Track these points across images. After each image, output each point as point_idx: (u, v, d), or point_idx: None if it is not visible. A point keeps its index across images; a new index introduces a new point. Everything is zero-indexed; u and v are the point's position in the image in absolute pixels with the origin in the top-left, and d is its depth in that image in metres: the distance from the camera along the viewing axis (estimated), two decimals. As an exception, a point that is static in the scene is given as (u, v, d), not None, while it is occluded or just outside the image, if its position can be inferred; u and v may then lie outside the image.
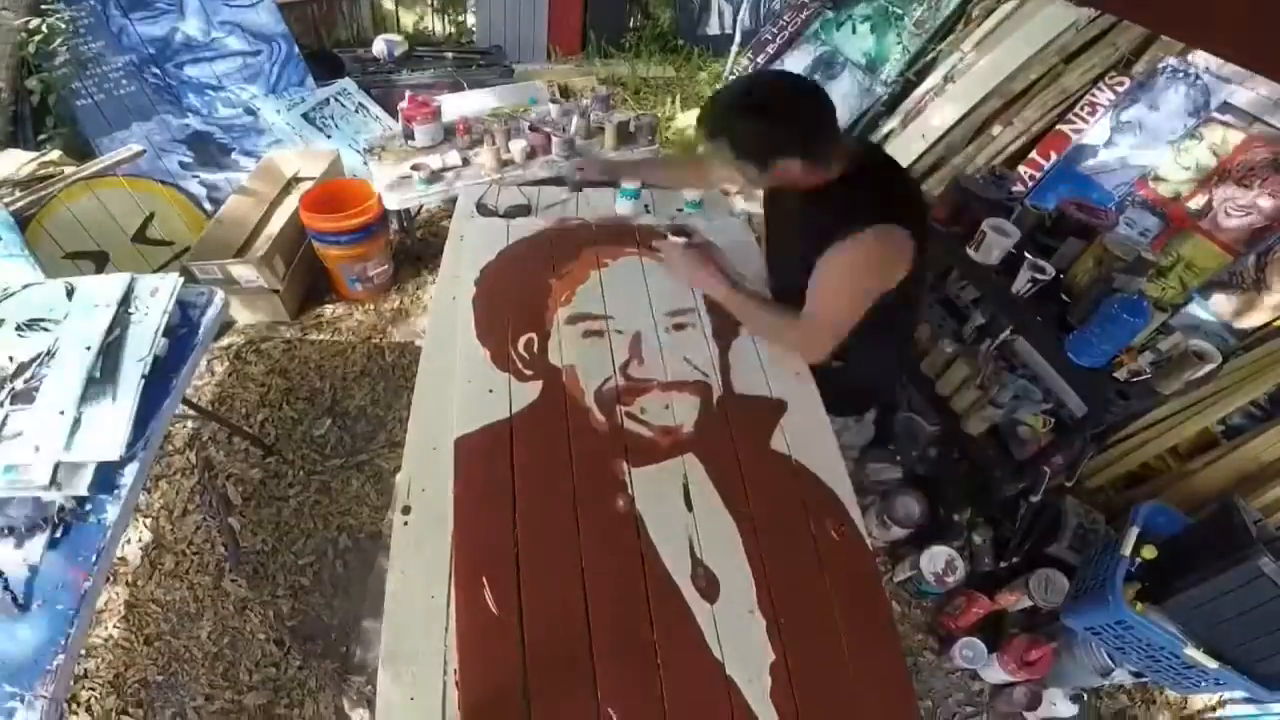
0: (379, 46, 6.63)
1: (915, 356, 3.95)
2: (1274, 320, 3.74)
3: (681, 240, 2.81)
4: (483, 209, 3.31)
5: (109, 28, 5.16)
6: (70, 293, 2.79)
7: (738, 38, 6.91)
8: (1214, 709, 3.65)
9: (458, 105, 5.44)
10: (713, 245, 2.87)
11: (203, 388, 4.30)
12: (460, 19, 7.75)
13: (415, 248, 5.37)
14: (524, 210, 3.31)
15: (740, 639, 1.90)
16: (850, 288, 2.35)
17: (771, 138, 2.23)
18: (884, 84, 6.15)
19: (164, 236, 4.71)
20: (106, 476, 2.35)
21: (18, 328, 2.67)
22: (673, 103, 7.53)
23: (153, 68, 5.34)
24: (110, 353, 2.58)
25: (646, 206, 3.39)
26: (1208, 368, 2.87)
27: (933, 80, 5.81)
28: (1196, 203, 4.10)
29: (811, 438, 2.40)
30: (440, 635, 1.84)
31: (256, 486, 3.85)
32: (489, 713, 1.71)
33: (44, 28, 4.76)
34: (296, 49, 5.92)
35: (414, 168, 4.59)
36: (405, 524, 2.08)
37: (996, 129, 5.25)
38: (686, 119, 7.28)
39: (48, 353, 2.56)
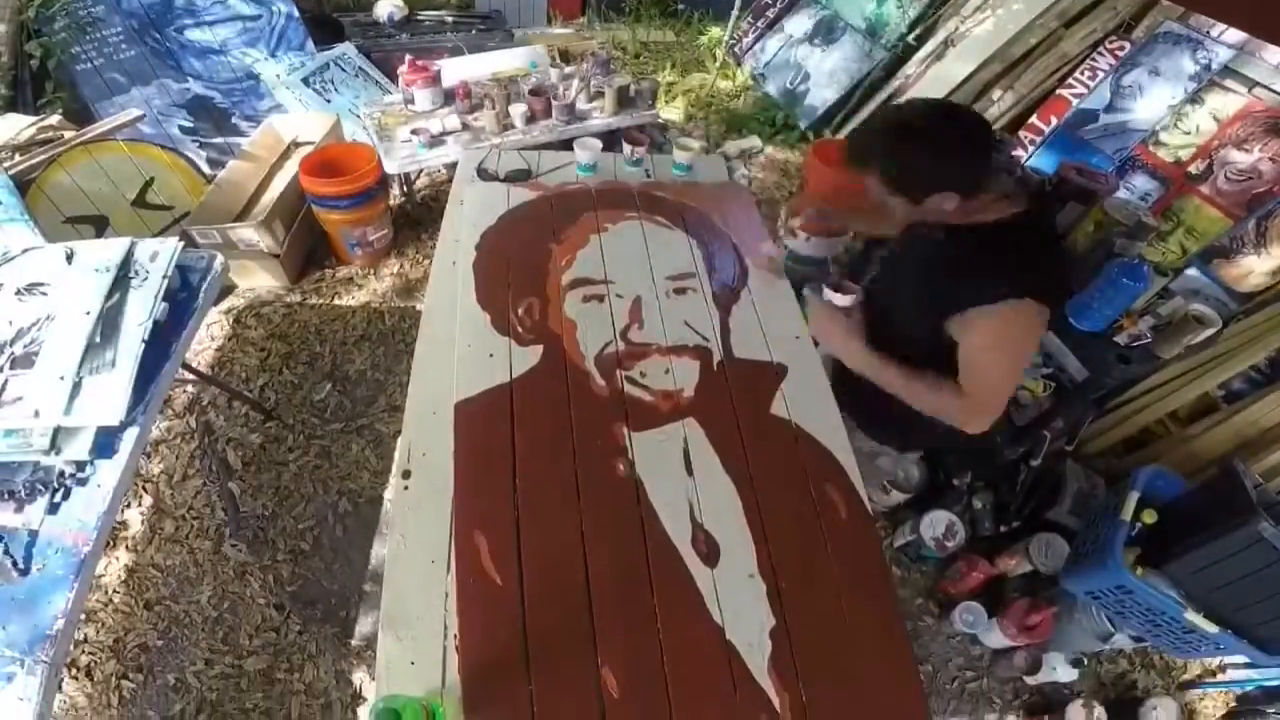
0: (379, 10, 6.57)
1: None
2: (1274, 284, 3.74)
3: (840, 304, 2.53)
4: (483, 173, 3.30)
5: (109, -9, 5.11)
6: (70, 257, 2.77)
7: (738, 2, 6.85)
8: (1214, 674, 3.67)
9: (458, 69, 5.40)
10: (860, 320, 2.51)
11: (202, 352, 4.30)
12: (460, -18, 7.69)
13: (415, 212, 5.36)
14: (524, 175, 3.30)
15: (740, 603, 1.90)
16: (1013, 361, 2.16)
17: (930, 170, 2.04)
18: (884, 48, 6.11)
19: (164, 201, 4.68)
20: (106, 441, 2.34)
21: (17, 292, 2.65)
22: (673, 67, 7.49)
23: (153, 32, 5.29)
24: (110, 317, 2.57)
25: (647, 171, 3.38)
26: (1208, 332, 2.87)
27: (933, 44, 5.78)
28: (1197, 167, 4.09)
29: (812, 402, 2.40)
30: (440, 599, 1.84)
31: (256, 451, 3.86)
32: (489, 676, 1.71)
33: (44, -9, 4.74)
34: (296, 13, 5.85)
35: (414, 132, 4.58)
36: (405, 488, 2.08)
37: (997, 93, 5.24)
38: (686, 84, 7.25)
39: (47, 317, 2.55)
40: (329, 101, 5.64)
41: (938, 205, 2.06)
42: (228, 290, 4.62)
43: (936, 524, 3.55)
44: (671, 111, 6.86)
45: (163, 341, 2.62)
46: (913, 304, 2.31)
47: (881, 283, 2.59)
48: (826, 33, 6.62)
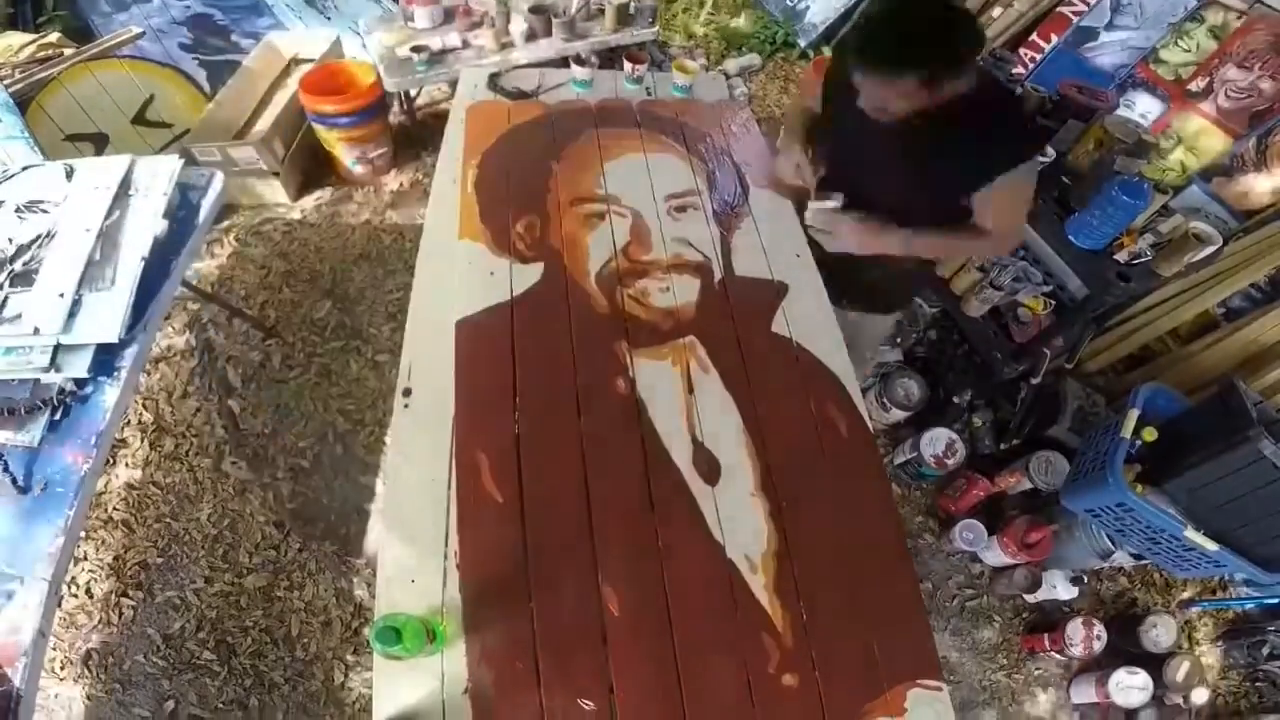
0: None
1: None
2: (1275, 202, 3.72)
3: (834, 207, 2.44)
4: (495, 85, 3.26)
5: (107, -94, 5.02)
6: (70, 175, 2.75)
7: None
8: (1214, 591, 3.70)
9: (458, -14, 5.33)
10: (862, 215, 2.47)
11: (202, 270, 4.28)
12: (460, -104, 7.52)
13: (415, 130, 5.30)
14: (526, 93, 3.26)
15: (741, 522, 1.91)
16: (1029, 200, 2.42)
17: (968, 57, 1.98)
18: (885, -34, 5.98)
19: (164, 119, 4.66)
20: (106, 359, 2.34)
21: (17, 210, 2.63)
22: (673, -16, 7.38)
23: (152, -53, 5.21)
24: (110, 235, 2.55)
25: (648, 89, 3.34)
26: (1208, 250, 2.86)
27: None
28: (1197, 85, 4.05)
29: (813, 321, 2.40)
30: (441, 518, 1.84)
31: (256, 369, 3.85)
32: (490, 594, 1.72)
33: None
34: (296, -73, 5.75)
35: (414, 50, 4.52)
36: (406, 406, 2.08)
37: (997, 10, 5.15)
38: (686, 0, 7.13)
39: (47, 235, 2.53)
40: (329, 19, 5.56)
41: (951, 91, 1.99)
42: (228, 208, 4.58)
43: (936, 442, 3.56)
44: (672, 30, 6.77)
45: (163, 259, 2.61)
46: (913, 190, 2.34)
47: (862, 179, 2.49)
48: (823, -48, 6.51)
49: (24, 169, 2.82)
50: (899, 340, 3.90)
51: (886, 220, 2.40)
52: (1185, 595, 3.68)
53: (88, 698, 2.94)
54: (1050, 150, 3.21)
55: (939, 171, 2.25)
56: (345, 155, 4.70)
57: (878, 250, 2.42)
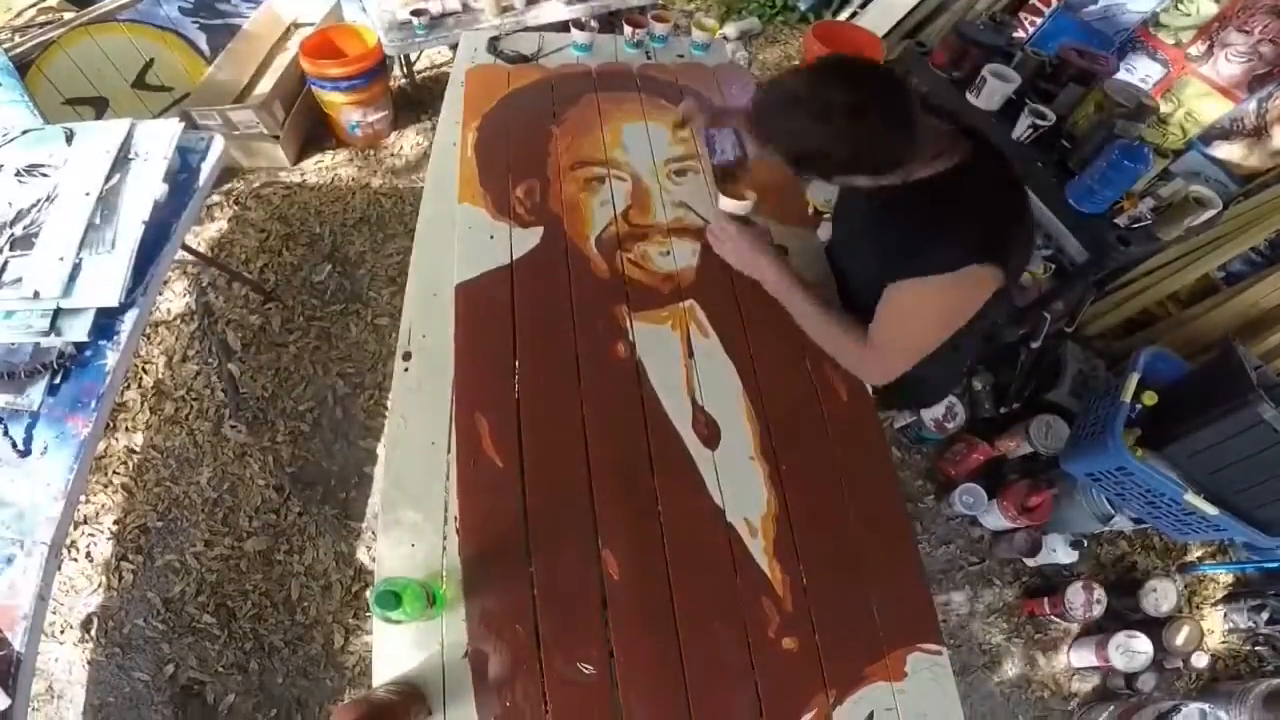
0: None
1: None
2: (1275, 166, 3.71)
3: (737, 212, 2.36)
4: (495, 49, 3.24)
5: None
6: (70, 138, 2.75)
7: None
8: (1214, 555, 3.71)
9: (457, -52, 5.29)
10: (765, 231, 2.42)
11: (202, 234, 4.27)
12: None
13: (415, 93, 5.30)
14: (525, 57, 3.24)
15: (741, 485, 1.91)
16: (934, 326, 1.96)
17: (834, 154, 1.72)
18: (887, -73, 5.94)
19: (164, 82, 4.65)
20: (106, 322, 2.34)
21: (17, 173, 2.63)
22: (677, -54, 7.33)
23: (151, -91, 5.16)
24: (110, 199, 2.55)
25: (648, 53, 3.32)
26: (1208, 214, 2.86)
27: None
28: (1197, 49, 4.02)
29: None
30: (440, 482, 1.85)
31: (256, 332, 3.86)
32: (489, 558, 1.72)
33: None
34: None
35: (414, 13, 4.49)
36: (406, 370, 2.08)
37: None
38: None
39: (47, 198, 2.53)
40: (328, -18, 5.53)
41: (847, 184, 1.91)
42: (228, 172, 4.59)
43: (936, 405, 3.56)
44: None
45: (162, 223, 2.61)
46: (864, 261, 2.16)
47: (838, 236, 2.49)
48: (828, -90, 6.44)
49: (24, 133, 2.82)
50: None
51: (780, 254, 2.26)
52: (1185, 559, 3.69)
53: (88, 661, 2.97)
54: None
55: (872, 237, 2.07)
56: (345, 119, 4.70)
57: (749, 272, 2.29)
